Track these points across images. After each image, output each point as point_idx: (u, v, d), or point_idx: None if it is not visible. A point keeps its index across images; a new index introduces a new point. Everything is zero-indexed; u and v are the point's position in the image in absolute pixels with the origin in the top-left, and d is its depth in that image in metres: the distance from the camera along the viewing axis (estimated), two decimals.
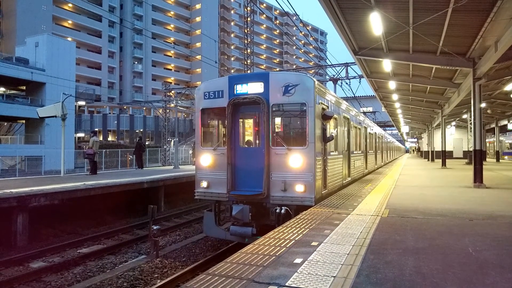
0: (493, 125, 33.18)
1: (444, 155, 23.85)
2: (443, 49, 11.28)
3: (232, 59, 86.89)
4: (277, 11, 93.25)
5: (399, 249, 4.25)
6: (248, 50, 31.59)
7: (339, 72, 24.94)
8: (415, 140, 70.41)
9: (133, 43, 70.77)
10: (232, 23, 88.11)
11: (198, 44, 75.94)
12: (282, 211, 7.36)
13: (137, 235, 10.47)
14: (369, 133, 16.48)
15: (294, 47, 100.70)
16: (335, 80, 24.94)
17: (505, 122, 30.70)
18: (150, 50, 71.84)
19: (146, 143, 53.90)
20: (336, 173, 9.46)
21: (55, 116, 16.28)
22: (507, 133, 40.87)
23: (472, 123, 11.94)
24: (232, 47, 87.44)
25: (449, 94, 19.72)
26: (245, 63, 31.82)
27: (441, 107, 23.81)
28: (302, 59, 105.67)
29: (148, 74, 72.08)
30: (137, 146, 21.43)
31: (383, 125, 47.34)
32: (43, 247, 8.99)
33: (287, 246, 4.37)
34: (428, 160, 34.65)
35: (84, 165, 24.86)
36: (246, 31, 32.44)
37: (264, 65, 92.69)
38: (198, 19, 78.15)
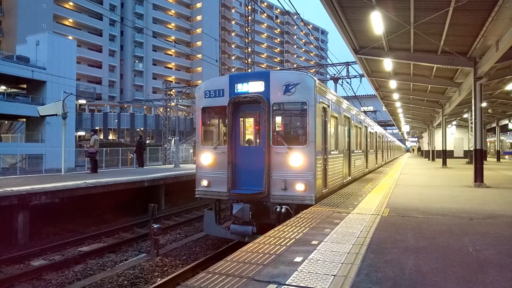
0: (494, 125, 33.15)
1: (445, 155, 23.83)
2: (444, 48, 11.27)
3: (233, 58, 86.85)
4: (278, 10, 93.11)
5: (399, 248, 4.25)
6: (249, 49, 31.58)
7: (340, 71, 24.93)
8: (416, 139, 70.37)
9: (134, 41, 70.75)
10: (233, 22, 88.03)
11: (199, 43, 75.91)
12: (283, 210, 7.37)
13: (138, 234, 10.49)
14: (370, 132, 16.47)
15: (295, 46, 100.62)
16: (336, 79, 24.93)
17: (506, 121, 30.66)
18: (151, 48, 71.83)
19: (147, 141, 53.96)
20: (336, 172, 9.46)
21: (56, 115, 16.29)
22: (508, 132, 40.82)
23: (473, 123, 11.93)
24: (233, 46, 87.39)
25: (450, 93, 19.70)
26: (246, 62, 31.82)
27: (442, 106, 23.78)
28: (303, 58, 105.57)
29: (149, 72, 72.08)
30: (137, 144, 21.44)
31: (384, 124, 47.28)
32: (43, 245, 9.00)
33: (287, 244, 4.38)
34: (429, 159, 34.63)
35: (85, 164, 24.90)
36: (247, 29, 32.43)
37: (265, 64, 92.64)
38: (199, 17, 78.13)
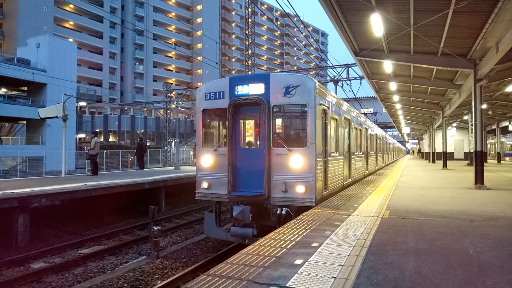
0: (494, 127, 33.15)
1: (445, 156, 23.82)
2: (444, 50, 11.28)
3: (233, 60, 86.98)
4: (278, 12, 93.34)
5: (399, 250, 4.25)
6: (249, 51, 31.62)
7: (340, 73, 24.95)
8: (416, 141, 70.35)
9: (134, 44, 70.89)
10: (233, 24, 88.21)
11: (199, 45, 76.07)
12: (283, 212, 7.36)
13: (138, 236, 10.47)
14: (370, 134, 16.47)
15: (295, 48, 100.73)
16: (336, 81, 24.95)
17: (506, 123, 30.64)
18: (151, 51, 71.97)
19: (147, 144, 53.93)
20: (336, 174, 9.45)
21: (56, 117, 16.29)
22: (508, 134, 40.81)
23: (473, 124, 11.93)
24: (233, 48, 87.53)
25: (450, 95, 19.71)
26: (246, 64, 31.86)
27: (442, 108, 23.79)
28: (303, 60, 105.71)
29: (149, 75, 72.18)
30: (138, 147, 21.46)
31: (384, 126, 47.32)
32: (44, 247, 9.00)
33: (288, 247, 4.37)
34: (429, 161, 34.60)
35: (85, 166, 24.91)
36: (247, 32, 32.50)
37: (265, 66, 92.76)
38: (199, 20, 78.29)
